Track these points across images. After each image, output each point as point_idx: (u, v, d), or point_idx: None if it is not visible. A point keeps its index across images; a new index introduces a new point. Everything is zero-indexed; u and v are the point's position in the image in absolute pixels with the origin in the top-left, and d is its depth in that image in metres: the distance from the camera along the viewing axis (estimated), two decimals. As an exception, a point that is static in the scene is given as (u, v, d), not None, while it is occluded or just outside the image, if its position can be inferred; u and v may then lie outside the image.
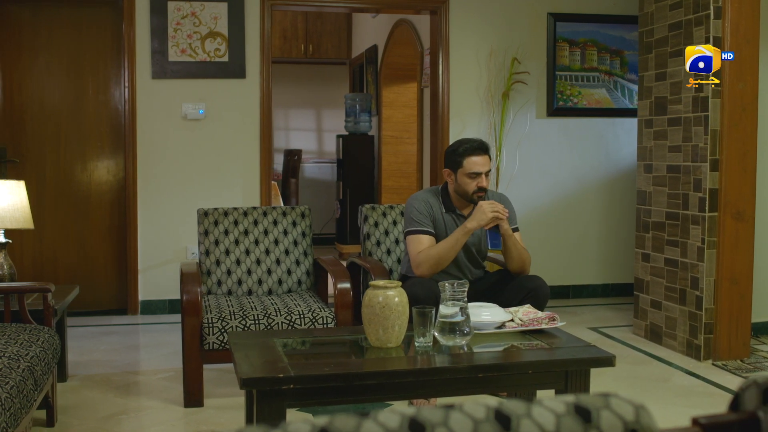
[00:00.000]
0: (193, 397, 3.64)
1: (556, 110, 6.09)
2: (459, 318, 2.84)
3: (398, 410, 0.95)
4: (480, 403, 0.97)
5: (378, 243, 4.31)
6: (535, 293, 3.61)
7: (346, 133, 8.48)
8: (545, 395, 3.26)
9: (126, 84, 5.46)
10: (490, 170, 3.70)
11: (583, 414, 0.96)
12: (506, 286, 3.71)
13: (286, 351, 2.83)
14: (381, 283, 2.87)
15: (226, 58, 5.56)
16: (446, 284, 2.89)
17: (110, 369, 4.24)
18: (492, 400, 0.99)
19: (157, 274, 5.54)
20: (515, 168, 6.00)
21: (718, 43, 4.27)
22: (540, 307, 3.58)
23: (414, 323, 2.88)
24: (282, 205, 7.13)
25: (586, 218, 6.25)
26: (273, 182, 7.27)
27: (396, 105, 8.11)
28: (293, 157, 8.26)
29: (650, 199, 4.87)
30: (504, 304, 3.47)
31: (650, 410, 1.00)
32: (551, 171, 6.14)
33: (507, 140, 5.97)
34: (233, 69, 5.58)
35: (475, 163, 3.64)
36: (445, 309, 2.87)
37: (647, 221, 4.91)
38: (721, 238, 4.35)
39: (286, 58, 9.57)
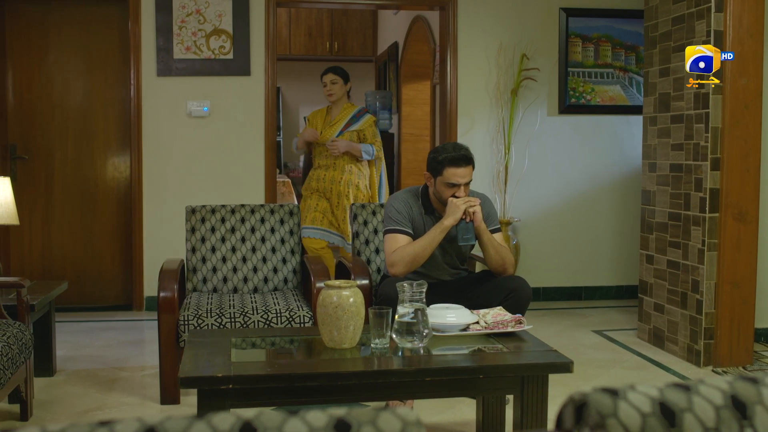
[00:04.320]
0: (169, 394, 3.63)
1: (568, 107, 5.95)
2: (414, 319, 2.77)
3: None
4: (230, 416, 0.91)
5: (367, 242, 4.25)
6: (516, 294, 3.51)
7: (367, 130, 8.43)
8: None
9: (132, 81, 5.50)
10: (470, 180, 3.61)
11: (342, 429, 0.90)
12: (486, 286, 3.62)
13: (238, 350, 2.80)
14: (336, 282, 2.81)
15: (230, 56, 5.56)
16: (405, 285, 2.82)
17: (99, 365, 4.27)
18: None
19: (162, 271, 5.56)
20: (525, 166, 5.88)
21: (719, 38, 4.11)
22: (521, 308, 3.48)
23: (371, 324, 2.81)
24: (296, 202, 7.12)
25: (599, 218, 6.10)
26: (287, 179, 7.27)
27: (415, 102, 8.03)
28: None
29: (654, 199, 4.72)
30: (484, 304, 3.38)
31: (423, 427, 0.93)
32: (563, 170, 6.01)
33: (516, 138, 5.86)
34: (238, 66, 5.58)
35: (454, 174, 3.55)
36: (401, 310, 2.81)
37: (651, 222, 4.76)
38: (722, 240, 4.19)
39: (312, 56, 9.57)
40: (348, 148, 5.26)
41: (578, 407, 1.01)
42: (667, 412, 1.00)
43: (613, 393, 1.02)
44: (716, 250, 4.21)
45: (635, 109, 5.99)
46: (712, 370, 4.23)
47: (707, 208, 4.19)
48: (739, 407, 1.03)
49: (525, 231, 5.99)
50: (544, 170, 5.96)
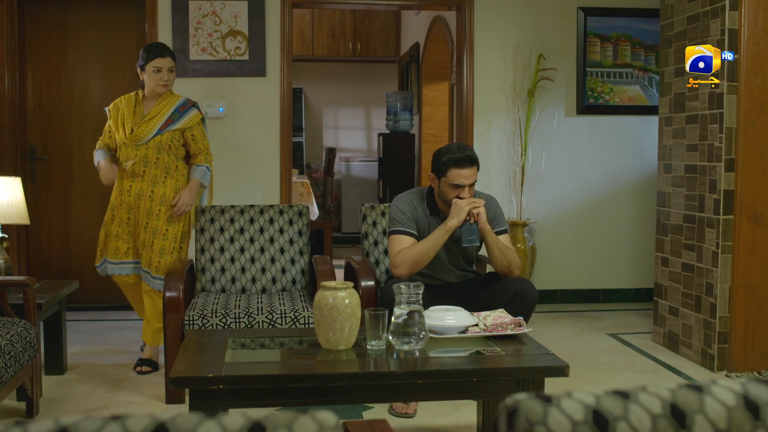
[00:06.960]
0: (175, 394, 3.65)
1: (586, 108, 5.89)
2: (409, 321, 2.76)
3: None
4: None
5: (375, 243, 4.24)
6: (522, 296, 3.48)
7: (388, 131, 8.43)
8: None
9: (149, 83, 5.54)
10: (475, 181, 3.58)
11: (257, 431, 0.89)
12: (492, 288, 3.59)
13: (234, 351, 2.80)
14: (332, 284, 2.80)
15: (246, 57, 5.58)
16: (401, 286, 2.80)
17: (110, 363, 4.30)
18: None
19: (178, 271, 5.59)
20: (542, 167, 5.82)
21: (734, 36, 4.03)
22: (527, 311, 3.45)
23: (366, 326, 2.80)
24: (314, 203, 7.13)
25: (618, 220, 6.03)
26: (305, 180, 7.29)
27: (436, 103, 8.01)
28: (330, 156, 8.28)
29: (669, 201, 4.65)
30: (489, 306, 3.36)
31: (341, 430, 0.92)
32: (580, 171, 5.95)
33: (533, 139, 5.80)
34: (253, 67, 5.60)
35: (458, 175, 3.52)
36: (397, 311, 2.79)
37: (666, 224, 4.69)
38: (737, 243, 4.11)
39: (335, 57, 9.59)
40: (191, 199, 4.20)
41: (510, 414, 0.99)
42: (600, 421, 0.97)
43: (546, 400, 0.99)
44: (730, 253, 4.13)
45: (655, 110, 5.90)
46: (726, 375, 4.15)
47: (721, 210, 4.12)
48: (678, 416, 1.00)
49: (542, 232, 5.94)
50: (562, 171, 5.90)
